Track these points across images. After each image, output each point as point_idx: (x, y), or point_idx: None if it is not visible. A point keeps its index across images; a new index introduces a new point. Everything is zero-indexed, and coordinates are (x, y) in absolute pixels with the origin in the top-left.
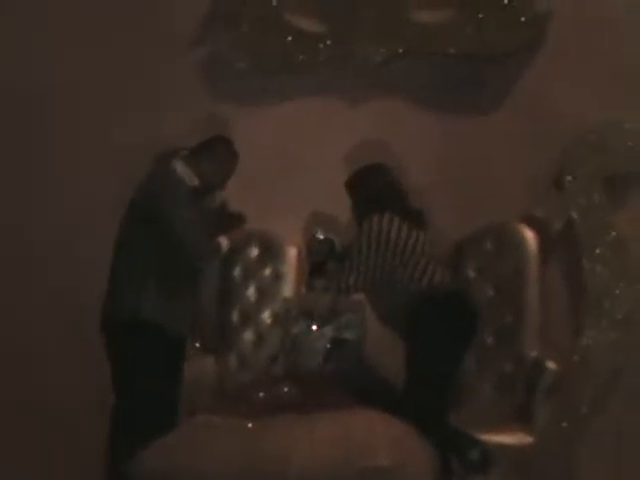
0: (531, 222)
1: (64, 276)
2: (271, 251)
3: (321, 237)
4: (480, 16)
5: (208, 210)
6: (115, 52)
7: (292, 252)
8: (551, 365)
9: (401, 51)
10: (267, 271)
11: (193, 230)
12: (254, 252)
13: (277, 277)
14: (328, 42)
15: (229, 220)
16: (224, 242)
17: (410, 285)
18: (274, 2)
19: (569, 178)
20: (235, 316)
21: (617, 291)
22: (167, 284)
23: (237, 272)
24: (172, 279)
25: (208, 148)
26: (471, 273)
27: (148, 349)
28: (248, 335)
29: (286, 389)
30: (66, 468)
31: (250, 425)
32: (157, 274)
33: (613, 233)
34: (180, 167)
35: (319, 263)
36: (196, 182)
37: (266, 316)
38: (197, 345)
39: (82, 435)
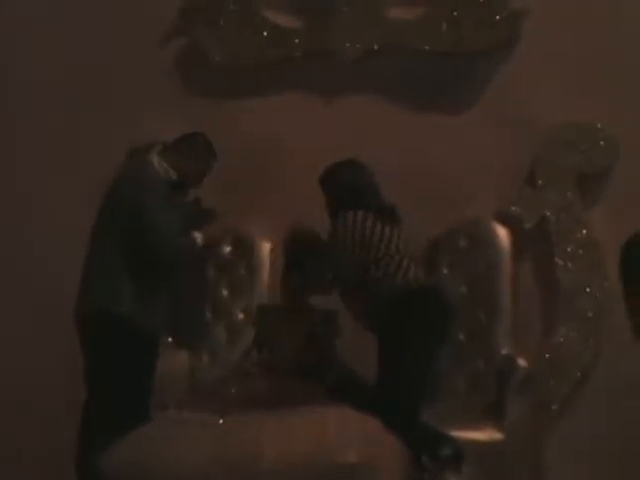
0: (504, 219)
1: (50, 279)
2: (244, 246)
3: (299, 232)
4: (455, 14)
5: (183, 205)
6: (91, 46)
7: (266, 247)
8: (522, 362)
9: (376, 47)
10: (240, 266)
11: (168, 225)
12: (227, 247)
13: (250, 272)
14: (304, 37)
15: (202, 216)
16: (198, 238)
17: (384, 281)
18: None
19: (542, 176)
20: (208, 311)
21: (588, 289)
22: (142, 279)
23: (210, 267)
24: (147, 274)
25: (185, 144)
26: (445, 269)
27: (121, 344)
28: (221, 330)
29: (258, 384)
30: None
31: (221, 421)
32: (132, 268)
33: (585, 231)
34: (157, 161)
35: (295, 258)
36: (173, 177)
37: (239, 311)
38: (170, 340)
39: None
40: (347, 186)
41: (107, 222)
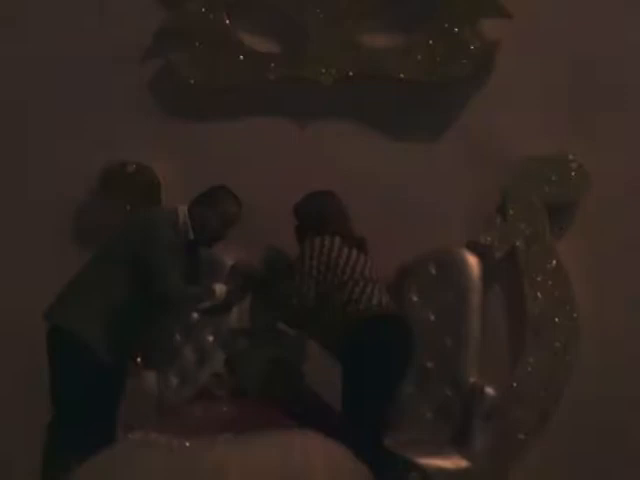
0: (475, 248)
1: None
2: (214, 268)
3: (270, 256)
4: (430, 43)
5: (200, 261)
6: (66, 67)
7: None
8: (489, 391)
9: (351, 74)
10: None
11: (176, 272)
12: None
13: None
14: (279, 62)
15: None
16: (220, 288)
17: (348, 307)
18: (227, 20)
19: (513, 206)
20: (178, 333)
21: (556, 319)
22: (127, 312)
23: None
24: (136, 309)
25: (208, 197)
26: (414, 297)
27: (84, 367)
28: (189, 353)
29: (225, 408)
30: None
31: (188, 444)
32: (121, 300)
33: (554, 262)
34: (183, 216)
35: (264, 281)
36: (190, 237)
37: (208, 334)
38: (138, 360)
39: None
40: (316, 213)
41: (117, 250)
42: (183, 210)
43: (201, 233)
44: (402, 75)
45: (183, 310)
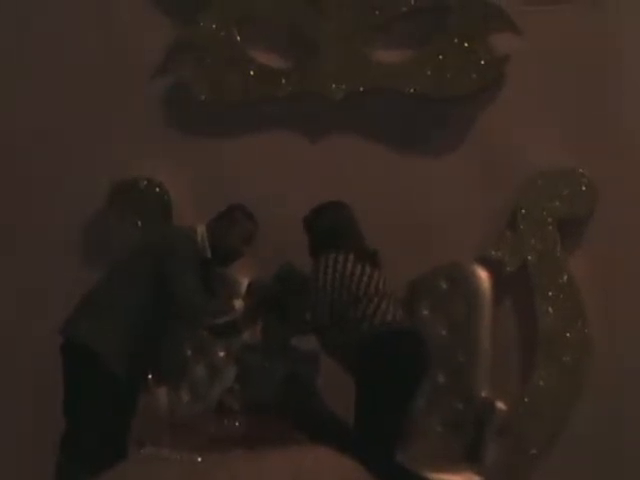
0: (486, 262)
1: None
2: (228, 286)
3: (283, 272)
4: (440, 57)
5: (216, 279)
6: (76, 84)
7: (246, 284)
8: (501, 405)
9: (362, 89)
10: None
11: (198, 293)
12: None
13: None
14: (290, 78)
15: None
16: (239, 304)
17: (362, 323)
18: (237, 37)
19: (524, 221)
20: (189, 349)
21: (568, 334)
22: (143, 327)
23: None
24: (147, 328)
25: (225, 218)
26: (425, 312)
27: (96, 380)
28: (201, 368)
29: (237, 423)
30: None
31: (200, 459)
32: (133, 317)
33: (566, 276)
34: (201, 234)
35: (276, 296)
36: (207, 255)
37: (219, 349)
38: (149, 376)
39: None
40: (330, 228)
41: (135, 266)
42: (202, 229)
43: (219, 252)
44: (412, 90)
45: (200, 325)
